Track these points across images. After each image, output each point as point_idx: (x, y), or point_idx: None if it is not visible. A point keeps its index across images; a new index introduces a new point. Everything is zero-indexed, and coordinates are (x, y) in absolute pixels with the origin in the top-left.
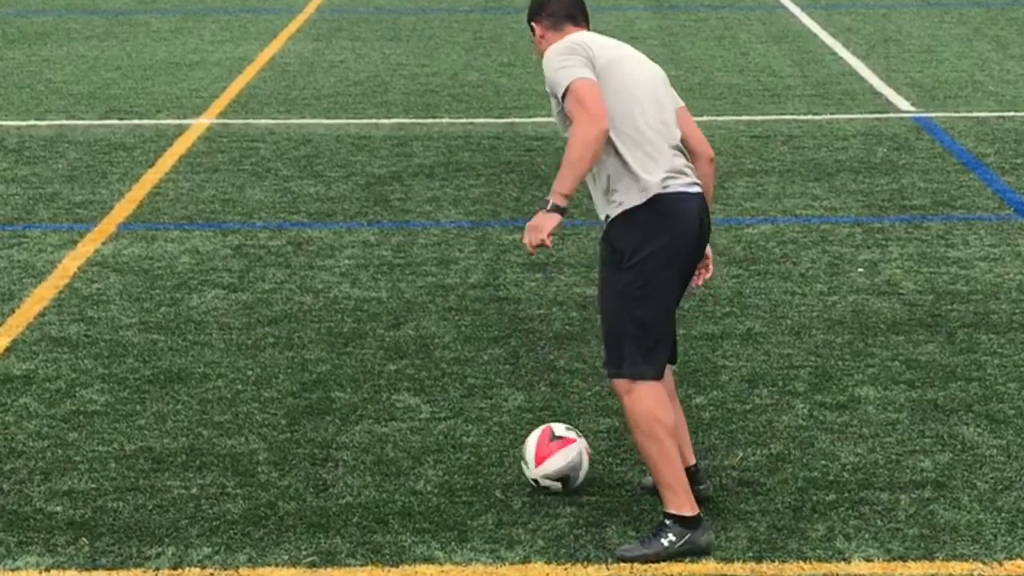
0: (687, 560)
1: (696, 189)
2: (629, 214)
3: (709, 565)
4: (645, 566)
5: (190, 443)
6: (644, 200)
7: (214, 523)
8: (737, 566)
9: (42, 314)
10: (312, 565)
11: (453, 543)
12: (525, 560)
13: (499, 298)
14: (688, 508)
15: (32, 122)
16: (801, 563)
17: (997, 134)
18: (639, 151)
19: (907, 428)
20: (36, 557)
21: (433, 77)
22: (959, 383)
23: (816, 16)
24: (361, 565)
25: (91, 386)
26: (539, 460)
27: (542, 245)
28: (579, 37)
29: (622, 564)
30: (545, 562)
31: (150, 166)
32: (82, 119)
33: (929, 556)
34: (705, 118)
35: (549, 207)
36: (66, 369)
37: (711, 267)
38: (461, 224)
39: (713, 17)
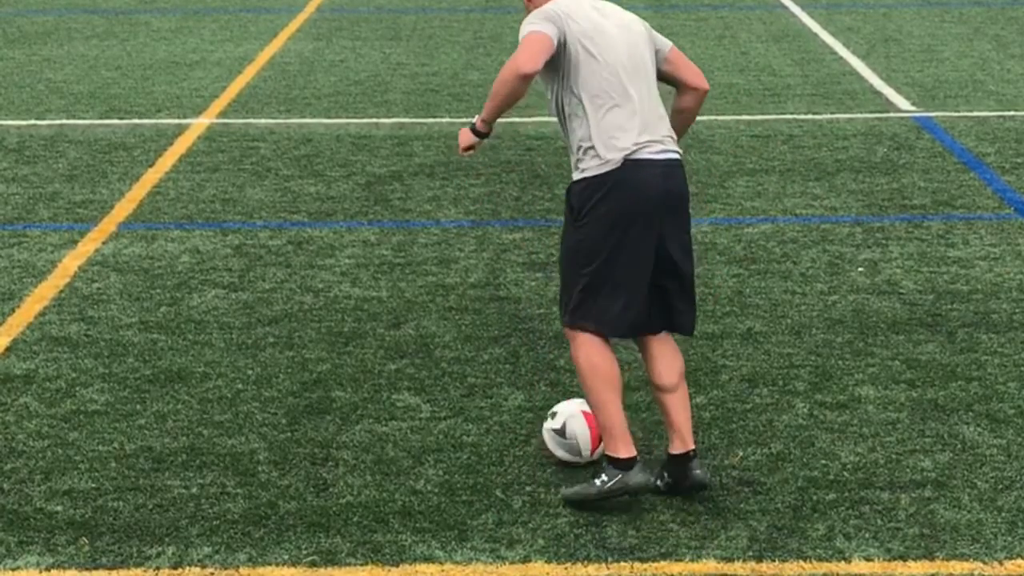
0: (687, 559)
1: (666, 156)
2: (586, 185)
3: (709, 564)
4: (645, 565)
5: (190, 443)
6: (605, 171)
7: (214, 523)
8: (737, 565)
9: (42, 314)
10: (312, 564)
11: (453, 542)
12: (525, 559)
13: (499, 297)
14: (623, 451)
15: (32, 121)
16: (801, 562)
17: (997, 133)
18: (610, 123)
19: (907, 428)
20: (36, 557)
21: (433, 77)
22: (959, 383)
23: (816, 16)
24: (361, 564)
25: (91, 386)
26: (595, 442)
27: (466, 152)
28: (561, 5)
29: (622, 563)
30: (545, 561)
31: (150, 166)
32: (82, 119)
33: (929, 556)
34: (705, 118)
35: (470, 125)
36: (66, 369)
37: None
38: (461, 224)
39: (713, 17)
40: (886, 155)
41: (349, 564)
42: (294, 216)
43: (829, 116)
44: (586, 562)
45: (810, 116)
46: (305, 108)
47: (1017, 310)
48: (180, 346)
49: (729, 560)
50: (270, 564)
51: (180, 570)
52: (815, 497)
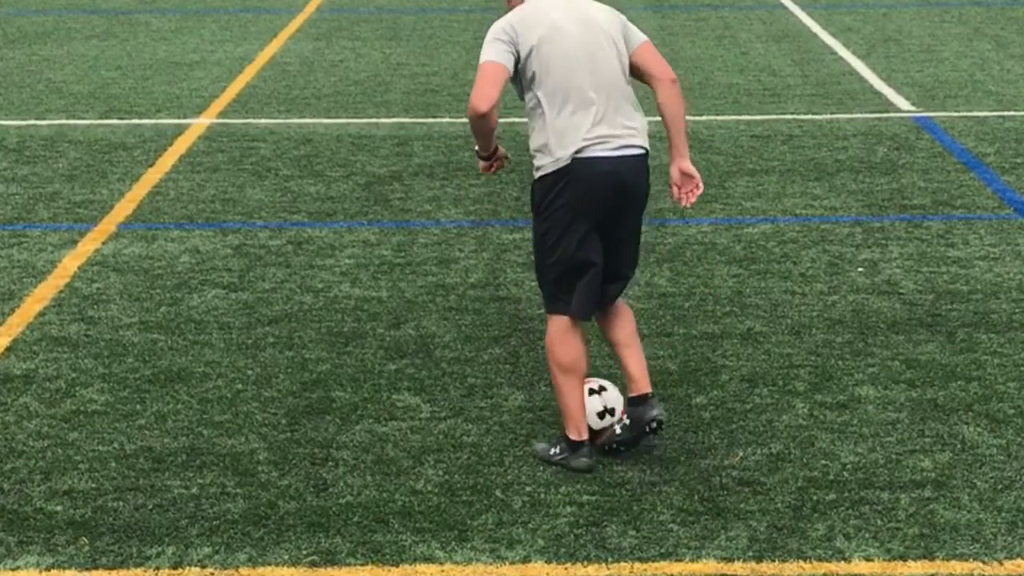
0: (687, 560)
1: (622, 152)
2: (543, 181)
3: (709, 565)
4: (645, 565)
5: (190, 443)
6: (558, 168)
7: (214, 523)
8: (737, 566)
9: (42, 314)
10: (312, 565)
11: (453, 543)
12: (525, 560)
13: (499, 298)
14: (574, 434)
15: (32, 122)
16: (801, 563)
17: (997, 133)
18: (564, 122)
19: (907, 428)
20: (36, 557)
21: (433, 77)
22: (959, 383)
23: (816, 16)
24: (361, 565)
25: (91, 386)
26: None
27: (487, 171)
28: (516, 16)
29: (622, 564)
30: (545, 562)
31: (150, 166)
32: (82, 119)
33: (929, 555)
34: (705, 118)
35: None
36: (66, 369)
37: (700, 184)
38: (461, 224)
39: (713, 17)
40: (886, 155)
41: (349, 564)
42: (294, 216)
43: (829, 116)
44: (586, 562)
45: (810, 116)
46: (305, 108)
47: (1017, 310)
48: (180, 346)
49: (729, 560)
50: (270, 564)
51: (180, 570)
52: (815, 497)
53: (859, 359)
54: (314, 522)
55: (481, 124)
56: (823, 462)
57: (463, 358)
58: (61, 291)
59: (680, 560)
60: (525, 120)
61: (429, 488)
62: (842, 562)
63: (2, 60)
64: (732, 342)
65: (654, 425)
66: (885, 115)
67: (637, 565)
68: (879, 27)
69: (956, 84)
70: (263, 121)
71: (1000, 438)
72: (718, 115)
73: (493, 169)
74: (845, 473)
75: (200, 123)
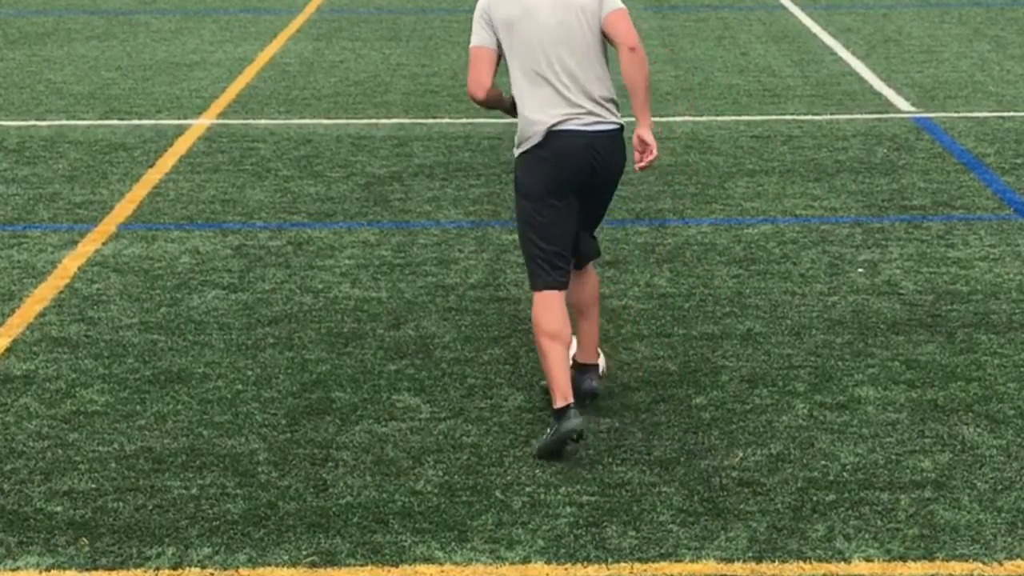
0: (687, 560)
1: (592, 128)
2: (519, 159)
3: (709, 565)
4: (644, 565)
5: (190, 443)
6: (531, 145)
7: (214, 523)
8: (737, 566)
9: (42, 314)
10: (312, 565)
11: (453, 543)
12: (525, 560)
13: (499, 298)
14: (559, 401)
15: (32, 122)
16: (801, 563)
17: (997, 134)
18: (535, 101)
19: (907, 428)
20: (36, 557)
21: (433, 77)
22: (959, 383)
23: (816, 16)
24: (361, 565)
25: (91, 386)
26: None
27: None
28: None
29: (622, 564)
30: (545, 562)
31: (150, 166)
32: (82, 119)
33: (929, 556)
34: (705, 118)
35: None
36: (66, 369)
37: (654, 151)
38: (461, 224)
39: (713, 17)
40: (886, 156)
41: (349, 565)
42: (294, 217)
43: (829, 117)
44: (586, 563)
45: (810, 117)
46: (305, 109)
47: (1017, 311)
48: (180, 347)
49: (729, 561)
50: (270, 565)
51: (180, 571)
52: (815, 498)
53: (859, 360)
54: (314, 523)
55: (484, 105)
56: (823, 463)
57: (463, 358)
58: (61, 292)
59: (680, 561)
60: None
61: (429, 489)
62: (842, 563)
63: (2, 61)
64: (732, 343)
65: (590, 396)
66: (885, 116)
67: (637, 566)
68: (879, 28)
69: (956, 85)
70: (263, 122)
71: (1000, 439)
72: (718, 116)
73: None
74: (845, 474)
75: (200, 124)
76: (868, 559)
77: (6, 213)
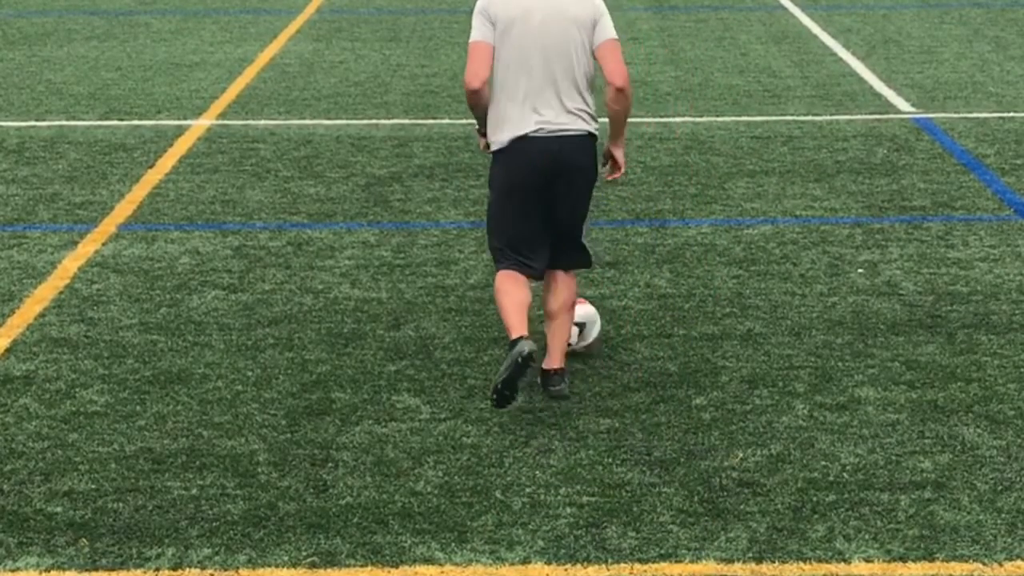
0: (687, 561)
1: (557, 134)
2: (493, 158)
3: (709, 566)
4: (644, 566)
5: (190, 444)
6: (501, 146)
7: (214, 524)
8: (737, 566)
9: (42, 315)
10: (312, 566)
11: (453, 544)
12: (525, 561)
13: None
14: (513, 333)
15: (32, 123)
16: (801, 564)
17: (997, 135)
18: (511, 104)
19: (907, 429)
20: (36, 558)
21: (433, 78)
22: (959, 384)
23: (816, 17)
24: (361, 566)
25: (91, 387)
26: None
27: (487, 150)
28: None
29: (622, 565)
30: (545, 562)
31: (150, 167)
32: (82, 120)
33: (929, 557)
34: (705, 119)
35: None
36: (66, 370)
37: (622, 168)
38: (461, 225)
39: (713, 18)
40: (886, 156)
41: (349, 565)
42: (294, 217)
43: (829, 117)
44: (586, 563)
45: (810, 117)
46: (305, 109)
47: (1017, 311)
48: (180, 347)
49: (729, 561)
50: (270, 565)
51: (180, 571)
52: (815, 498)
53: (859, 360)
54: (314, 523)
55: (477, 101)
56: (823, 463)
57: (463, 359)
58: (61, 292)
59: (680, 561)
60: None
61: (429, 489)
62: (842, 563)
63: (2, 61)
64: (732, 343)
65: (557, 400)
66: (885, 116)
67: (637, 566)
68: (879, 28)
69: (956, 85)
70: (263, 122)
71: (1000, 439)
72: (718, 116)
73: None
74: (845, 474)
75: (200, 124)
76: (868, 560)
77: (6, 213)
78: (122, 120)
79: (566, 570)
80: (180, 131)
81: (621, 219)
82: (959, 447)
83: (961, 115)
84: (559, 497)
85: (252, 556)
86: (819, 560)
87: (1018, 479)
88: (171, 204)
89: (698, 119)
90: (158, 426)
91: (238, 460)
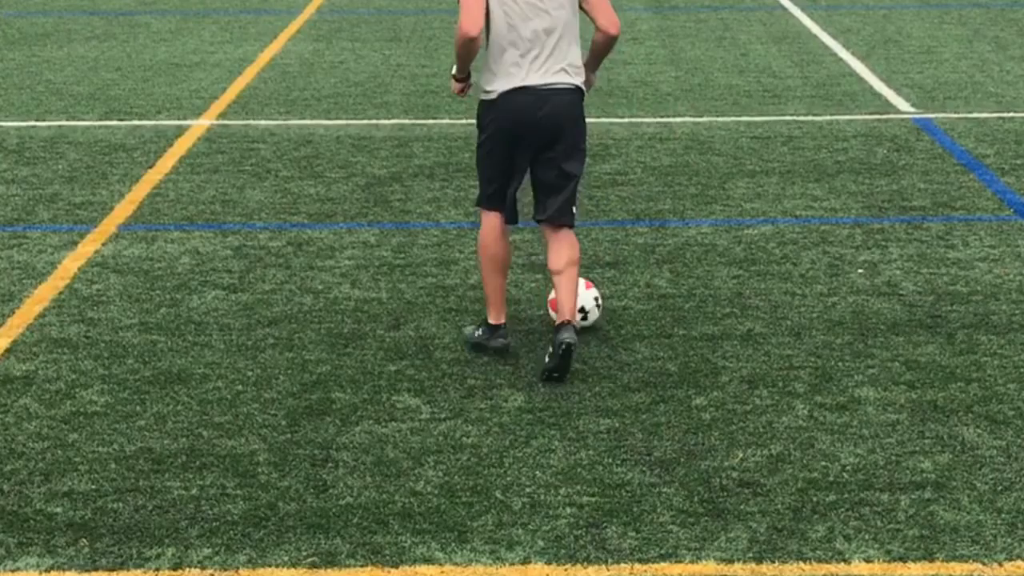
0: (687, 561)
1: (548, 85)
2: (482, 105)
3: (709, 566)
4: (644, 566)
5: (190, 444)
6: (492, 97)
7: (214, 524)
8: (737, 567)
9: (42, 315)
10: (312, 566)
11: (453, 544)
12: (525, 561)
13: None
14: (492, 318)
15: (32, 123)
16: (801, 564)
17: (997, 135)
18: (503, 59)
19: (907, 429)
20: (36, 558)
21: (433, 78)
22: (959, 384)
23: (816, 17)
24: (361, 566)
25: (91, 387)
26: (552, 306)
27: (460, 94)
28: None
29: (622, 565)
30: (545, 563)
31: (150, 167)
32: (82, 120)
33: (929, 557)
34: (705, 119)
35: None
36: (66, 370)
37: (593, 83)
38: (461, 225)
39: (713, 18)
40: (886, 156)
41: (349, 565)
42: (294, 217)
43: (829, 117)
44: (586, 564)
45: (810, 117)
46: (305, 109)
47: (1017, 311)
48: (180, 347)
49: (729, 562)
50: (270, 566)
51: (180, 572)
52: (815, 498)
53: (859, 360)
54: (314, 523)
55: (470, 48)
56: (823, 463)
57: (463, 359)
58: (61, 292)
59: (680, 561)
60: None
61: (429, 489)
62: (842, 563)
63: (2, 61)
64: (732, 343)
65: (563, 347)
66: (885, 116)
67: (637, 566)
68: (879, 28)
69: (956, 85)
70: (263, 122)
71: (1000, 439)
72: (718, 116)
73: (466, 91)
74: (845, 474)
75: (200, 124)
76: (868, 560)
77: (6, 214)
78: (122, 120)
79: (566, 570)
80: (180, 131)
81: (621, 219)
82: (959, 447)
83: (961, 115)
84: (559, 497)
85: (252, 556)
86: (819, 560)
87: (1018, 479)
88: (171, 204)
89: (698, 119)
90: (158, 426)
91: (238, 460)
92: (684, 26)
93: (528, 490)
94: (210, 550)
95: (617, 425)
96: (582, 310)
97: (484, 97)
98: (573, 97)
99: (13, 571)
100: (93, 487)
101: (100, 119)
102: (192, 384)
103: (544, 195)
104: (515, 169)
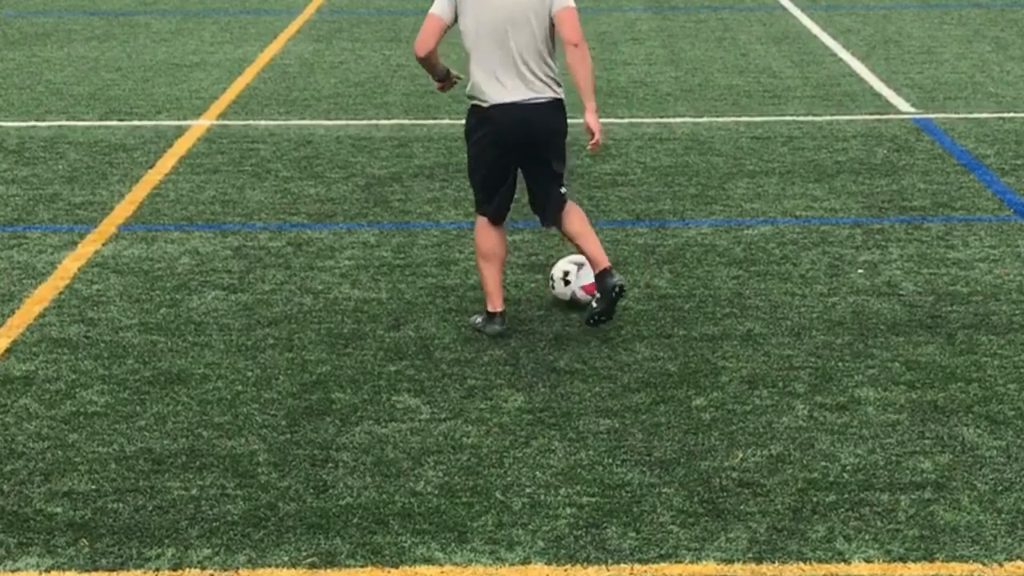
0: (687, 561)
1: (528, 100)
2: (471, 111)
3: (709, 566)
4: (644, 566)
5: (190, 444)
6: (478, 110)
7: (214, 524)
8: (737, 567)
9: (42, 315)
10: (312, 566)
11: (453, 544)
12: (525, 561)
13: None
14: (490, 306)
15: (32, 123)
16: (801, 564)
17: (997, 135)
18: (483, 73)
19: (907, 429)
20: (36, 558)
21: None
22: (959, 384)
23: (816, 17)
24: (361, 566)
25: (91, 387)
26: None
27: (441, 89)
28: None
29: (622, 565)
30: (545, 563)
31: (150, 167)
32: (82, 120)
33: (929, 557)
34: (705, 119)
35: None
36: (66, 370)
37: (597, 135)
38: (461, 225)
39: (713, 18)
40: (886, 157)
41: (349, 566)
42: (294, 218)
43: (829, 118)
44: (586, 564)
45: (810, 118)
46: (305, 110)
47: (1017, 312)
48: (180, 348)
49: (729, 562)
50: (270, 566)
51: (180, 572)
52: (815, 499)
53: (859, 360)
54: (314, 523)
55: (424, 63)
56: (823, 464)
57: (463, 359)
58: (61, 292)
59: (680, 562)
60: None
61: (429, 489)
62: (842, 564)
63: (2, 61)
64: (732, 343)
65: (617, 290)
66: (885, 117)
67: (637, 567)
68: (879, 29)
69: (956, 86)
70: (263, 123)
71: (1000, 440)
72: (718, 116)
73: (447, 88)
74: (845, 475)
75: (200, 124)
76: (868, 560)
77: (6, 214)
78: (122, 120)
79: (566, 570)
80: (180, 131)
81: (621, 219)
82: (959, 447)
83: (961, 115)
84: (559, 497)
85: (252, 556)
86: (819, 560)
87: (1018, 479)
88: (171, 204)
89: (698, 119)
90: (158, 426)
91: (238, 460)
92: (684, 26)
93: (528, 490)
94: (210, 550)
95: (617, 425)
96: (565, 274)
97: (473, 103)
98: (553, 108)
99: (13, 571)
100: (93, 487)
101: (100, 119)
102: (192, 384)
103: (538, 195)
104: (501, 177)
